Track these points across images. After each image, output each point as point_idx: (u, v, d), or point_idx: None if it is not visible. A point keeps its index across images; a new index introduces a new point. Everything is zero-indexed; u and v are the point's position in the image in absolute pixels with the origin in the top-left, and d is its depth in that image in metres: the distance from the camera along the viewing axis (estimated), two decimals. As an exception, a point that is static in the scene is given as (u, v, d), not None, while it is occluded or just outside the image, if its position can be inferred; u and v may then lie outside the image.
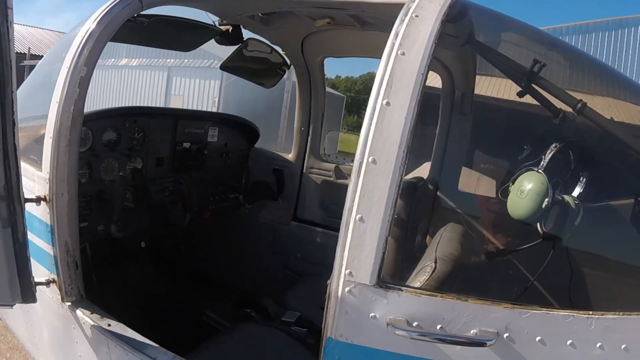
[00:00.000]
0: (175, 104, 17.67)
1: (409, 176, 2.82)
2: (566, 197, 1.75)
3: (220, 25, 2.71)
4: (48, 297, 2.15)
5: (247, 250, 3.72)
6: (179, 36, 2.76)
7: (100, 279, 2.74)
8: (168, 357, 1.90)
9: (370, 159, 1.45)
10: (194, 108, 16.18)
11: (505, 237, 2.03)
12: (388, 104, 1.46)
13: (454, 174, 2.62)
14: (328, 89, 4.04)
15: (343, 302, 1.47)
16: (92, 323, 2.03)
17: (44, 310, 2.25)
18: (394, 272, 2.15)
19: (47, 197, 2.03)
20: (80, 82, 2.00)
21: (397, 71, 1.49)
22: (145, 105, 16.87)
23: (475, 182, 2.48)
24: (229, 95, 15.89)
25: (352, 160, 3.45)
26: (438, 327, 1.45)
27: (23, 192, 1.81)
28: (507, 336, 1.44)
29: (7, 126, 1.73)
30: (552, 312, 1.47)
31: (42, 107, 2.08)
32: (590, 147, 2.00)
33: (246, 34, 2.85)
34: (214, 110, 15.53)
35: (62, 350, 2.27)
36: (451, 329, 1.45)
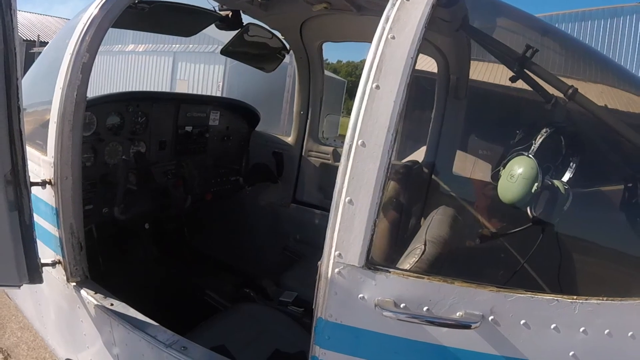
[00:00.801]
0: (181, 88, 17.58)
1: (406, 159, 2.79)
2: (556, 182, 1.70)
3: (220, 10, 2.66)
4: (54, 277, 2.15)
5: (248, 231, 3.68)
6: (180, 22, 2.72)
7: (106, 260, 2.75)
8: (167, 336, 1.89)
9: (359, 142, 1.40)
10: (199, 92, 16.18)
11: (496, 221, 1.99)
12: (377, 87, 1.42)
13: (449, 158, 2.56)
14: (329, 74, 3.99)
15: (333, 283, 1.45)
16: (95, 303, 2.03)
17: (51, 291, 2.25)
18: (387, 253, 2.12)
19: (52, 181, 2.01)
20: (83, 68, 1.98)
21: (387, 55, 1.44)
22: (151, 90, 17.03)
23: (469, 166, 2.43)
24: (232, 80, 15.77)
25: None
26: (425, 308, 1.42)
27: (29, 176, 1.79)
28: (492, 319, 1.41)
29: (13, 112, 1.71)
30: (536, 296, 1.44)
31: (47, 93, 2.05)
32: (581, 133, 1.93)
33: (246, 19, 2.80)
34: (218, 94, 15.54)
35: (68, 329, 2.29)
36: (437, 311, 1.42)
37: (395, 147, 1.45)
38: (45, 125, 2.05)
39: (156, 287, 2.79)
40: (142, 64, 19.07)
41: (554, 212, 1.69)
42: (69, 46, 1.98)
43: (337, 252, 1.44)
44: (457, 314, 1.42)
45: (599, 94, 1.98)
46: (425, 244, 1.70)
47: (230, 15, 2.66)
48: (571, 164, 1.78)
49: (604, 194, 2.01)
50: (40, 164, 2.08)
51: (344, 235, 1.43)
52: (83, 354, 2.22)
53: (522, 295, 1.44)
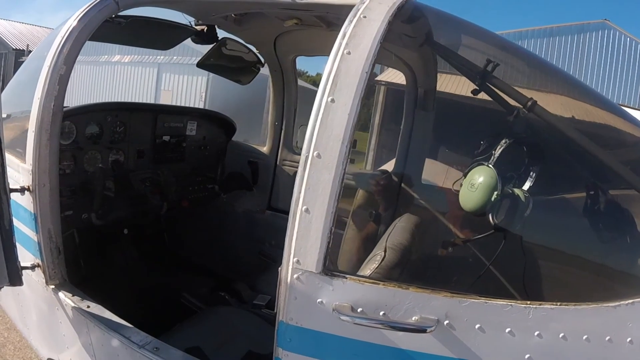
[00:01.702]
0: (165, 98, 17.80)
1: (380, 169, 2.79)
2: (516, 191, 1.71)
3: (196, 25, 2.66)
4: (34, 280, 2.14)
5: (225, 237, 3.67)
6: (157, 36, 2.72)
7: (87, 264, 2.73)
8: (141, 337, 1.88)
9: (315, 154, 1.41)
10: (183, 102, 16.46)
11: (459, 228, 1.99)
12: (333, 100, 1.42)
13: (417, 167, 2.56)
14: (309, 86, 3.99)
15: (292, 288, 1.45)
16: (72, 305, 2.02)
17: (31, 293, 2.24)
18: (355, 259, 2.12)
19: (31, 188, 2.00)
20: (60, 79, 1.97)
21: (343, 69, 1.44)
22: (135, 99, 17.06)
23: (438, 175, 2.43)
24: (215, 90, 15.88)
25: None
26: (381, 313, 1.42)
27: (8, 183, 1.78)
28: (447, 323, 1.41)
29: None
30: (490, 301, 1.44)
31: (27, 103, 2.04)
32: (541, 143, 1.94)
33: (221, 33, 2.80)
34: (201, 104, 15.69)
35: (48, 330, 2.27)
36: (393, 316, 1.42)
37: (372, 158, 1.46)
38: (25, 133, 2.04)
39: (135, 290, 2.77)
40: (128, 75, 19.26)
41: (514, 219, 1.70)
42: (47, 58, 1.98)
43: (295, 259, 1.44)
44: (413, 319, 1.42)
45: (560, 106, 1.99)
46: (385, 251, 1.70)
47: (205, 30, 2.67)
48: (531, 173, 1.79)
49: (564, 201, 2.01)
50: (19, 171, 2.06)
51: (302, 242, 1.43)
52: (63, 354, 2.21)
53: (476, 300, 1.44)
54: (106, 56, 19.28)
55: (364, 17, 1.52)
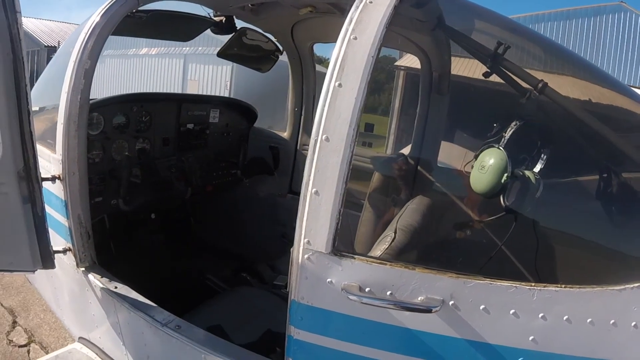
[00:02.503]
0: (192, 87, 17.96)
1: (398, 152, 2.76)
2: (527, 173, 1.67)
3: (214, 16, 2.68)
4: (66, 263, 2.22)
5: (248, 220, 3.70)
6: (178, 28, 2.75)
7: (117, 247, 2.83)
8: (164, 316, 1.94)
9: (323, 137, 1.41)
10: (209, 91, 16.53)
11: (471, 210, 1.96)
12: (340, 85, 1.41)
13: (433, 151, 2.53)
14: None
15: (303, 268, 1.46)
16: (101, 286, 2.10)
17: (63, 275, 2.33)
18: (369, 241, 2.12)
19: (61, 176, 2.08)
20: (85, 73, 2.03)
21: (349, 55, 1.43)
22: (162, 90, 17.50)
23: (454, 158, 2.39)
24: (239, 79, 15.85)
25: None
26: (388, 293, 1.42)
27: (40, 173, 1.85)
28: (452, 304, 1.41)
29: (23, 115, 1.78)
30: (495, 283, 1.42)
31: (56, 97, 2.11)
32: (552, 126, 1.88)
33: (239, 23, 2.82)
34: (226, 92, 15.79)
35: (80, 310, 2.36)
36: (400, 296, 1.42)
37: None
38: (55, 125, 2.11)
39: (162, 272, 2.84)
40: (156, 66, 19.51)
41: (525, 201, 1.67)
42: (72, 54, 2.03)
43: (306, 240, 1.45)
44: (419, 299, 1.41)
45: (571, 86, 1.93)
46: (395, 232, 1.70)
47: (223, 21, 2.68)
48: (542, 155, 1.74)
49: (575, 183, 1.95)
50: (50, 161, 2.14)
51: (312, 223, 1.44)
52: (93, 333, 2.30)
53: (481, 281, 1.42)
54: (134, 49, 19.61)
55: (370, 2, 1.50)
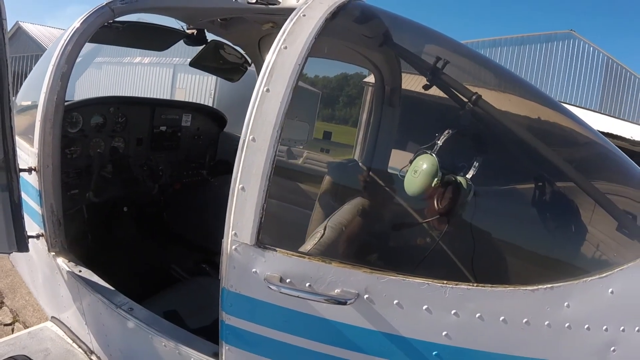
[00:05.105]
0: (180, 95, 18.36)
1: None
2: (459, 178, 1.68)
3: (187, 29, 2.72)
4: (40, 248, 2.24)
5: (213, 216, 3.70)
6: (152, 39, 2.78)
7: (93, 236, 2.89)
8: (120, 299, 1.96)
9: (250, 138, 1.42)
10: (195, 99, 16.64)
11: (406, 212, 1.96)
12: (268, 90, 1.43)
13: (383, 157, 2.53)
14: (307, 86, 4.02)
15: (231, 258, 1.47)
16: (67, 269, 2.11)
17: (38, 260, 2.35)
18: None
19: (37, 168, 2.11)
20: (62, 76, 2.07)
21: (279, 62, 1.45)
22: (152, 96, 17.41)
23: (404, 164, 2.41)
24: (223, 88, 16.28)
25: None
26: (307, 284, 1.42)
27: (18, 164, 1.87)
28: (367, 297, 1.40)
29: (5, 112, 1.80)
30: (408, 279, 1.42)
31: (37, 96, 2.19)
32: (484, 135, 1.89)
33: (210, 36, 2.87)
34: (210, 100, 16.00)
35: (51, 292, 2.38)
36: (318, 287, 1.42)
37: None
38: (34, 122, 2.19)
39: (131, 260, 2.88)
40: (147, 74, 19.90)
41: (455, 205, 1.67)
42: (52, 58, 2.08)
43: (233, 232, 1.45)
44: (335, 291, 1.41)
45: (504, 102, 1.93)
46: (325, 229, 1.71)
47: (195, 34, 2.73)
48: (474, 162, 1.75)
49: (503, 189, 1.95)
50: (29, 154, 2.18)
51: (238, 217, 1.44)
52: (63, 314, 2.32)
53: (394, 277, 1.42)
54: (129, 58, 20.08)
55: (304, 15, 1.52)
